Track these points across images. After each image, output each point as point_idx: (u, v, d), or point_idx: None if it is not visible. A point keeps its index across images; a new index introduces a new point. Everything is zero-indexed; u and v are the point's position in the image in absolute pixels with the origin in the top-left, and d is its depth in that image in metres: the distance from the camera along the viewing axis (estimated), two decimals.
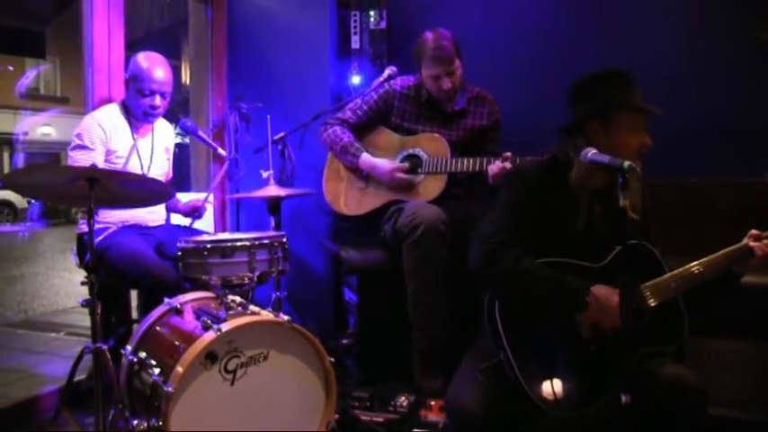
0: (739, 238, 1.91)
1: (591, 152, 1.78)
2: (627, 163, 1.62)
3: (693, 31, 3.22)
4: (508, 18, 3.56)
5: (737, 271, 1.91)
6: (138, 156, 2.85)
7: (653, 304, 1.84)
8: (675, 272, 1.87)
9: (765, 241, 1.87)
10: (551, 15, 3.48)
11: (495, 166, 2.72)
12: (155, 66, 2.77)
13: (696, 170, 3.03)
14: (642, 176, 1.77)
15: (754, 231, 1.89)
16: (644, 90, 1.90)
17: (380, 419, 2.52)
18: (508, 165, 2.69)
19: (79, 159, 2.66)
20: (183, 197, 3.21)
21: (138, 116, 2.83)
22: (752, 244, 1.87)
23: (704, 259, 1.87)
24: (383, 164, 3.01)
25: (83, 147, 2.69)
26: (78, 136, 2.71)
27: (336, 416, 2.23)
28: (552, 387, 1.74)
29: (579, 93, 1.93)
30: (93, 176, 2.09)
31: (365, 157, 3.06)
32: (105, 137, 2.72)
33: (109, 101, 3.00)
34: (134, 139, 2.83)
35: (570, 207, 1.89)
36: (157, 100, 2.79)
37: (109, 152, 2.74)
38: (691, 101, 3.14)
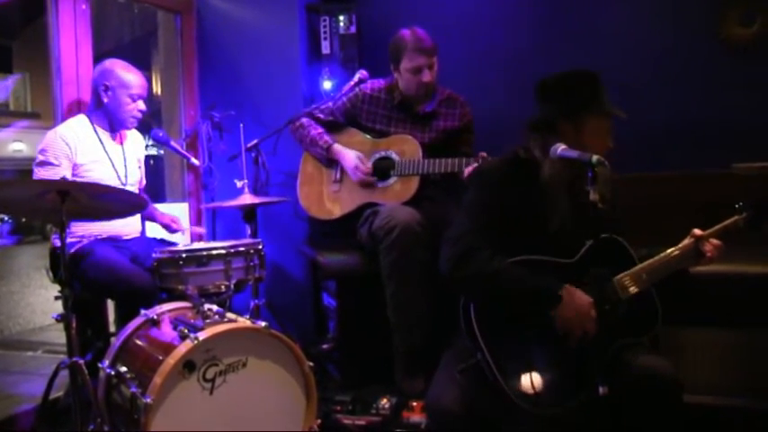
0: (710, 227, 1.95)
1: (560, 148, 1.80)
2: (595, 157, 1.65)
3: (659, 28, 3.29)
4: (477, 20, 3.60)
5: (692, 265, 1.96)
6: (113, 167, 2.83)
7: (633, 291, 1.86)
8: (646, 263, 1.90)
9: (714, 242, 1.90)
10: (520, 16, 3.53)
11: (471, 169, 2.73)
12: (135, 72, 2.86)
13: (664, 164, 3.08)
14: (611, 170, 1.79)
15: (696, 231, 1.92)
16: (610, 87, 1.93)
17: (363, 422, 2.52)
18: None
19: (43, 176, 2.63)
20: (163, 208, 3.20)
21: (124, 122, 2.86)
22: (704, 249, 1.90)
23: (669, 250, 1.91)
24: (350, 157, 3.03)
25: (47, 163, 2.65)
26: (42, 152, 2.67)
27: (318, 421, 2.23)
28: (531, 383, 1.75)
29: (549, 92, 1.95)
30: (64, 189, 2.07)
31: (336, 147, 3.08)
32: (70, 151, 2.68)
33: (78, 113, 2.97)
34: (106, 152, 2.82)
35: (540, 204, 1.89)
36: (142, 104, 2.86)
37: (76, 166, 2.71)
38: (657, 97, 3.20)
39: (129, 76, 2.81)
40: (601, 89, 1.90)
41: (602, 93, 1.90)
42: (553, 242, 1.87)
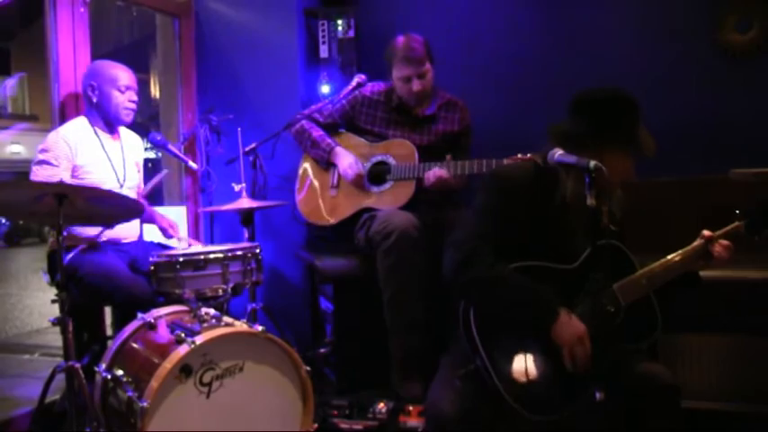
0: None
1: (558, 153, 1.76)
2: (593, 163, 1.63)
3: (656, 33, 3.29)
4: (477, 25, 3.60)
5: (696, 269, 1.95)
6: (113, 168, 2.83)
7: (633, 297, 1.86)
8: (646, 269, 1.89)
9: (723, 243, 1.90)
10: (520, 22, 3.53)
11: (431, 174, 2.78)
12: (119, 66, 2.86)
13: (661, 170, 3.07)
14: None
15: (705, 232, 1.91)
16: None
17: (359, 427, 2.51)
18: (445, 173, 2.74)
19: (41, 175, 2.61)
20: (161, 212, 3.19)
21: (118, 116, 2.83)
22: (713, 250, 1.89)
23: (670, 256, 1.91)
24: (347, 157, 3.04)
25: (46, 162, 2.64)
26: (42, 151, 2.66)
27: (315, 425, 2.23)
28: (526, 372, 1.75)
29: (581, 108, 1.85)
30: (62, 192, 2.07)
31: (338, 150, 3.08)
32: (71, 153, 2.68)
33: (76, 116, 2.97)
34: (106, 153, 2.81)
35: (553, 215, 1.86)
36: (132, 95, 2.85)
37: (76, 168, 2.70)
38: (655, 102, 3.17)
39: (113, 70, 2.81)
40: (633, 121, 1.81)
41: (633, 125, 1.81)
42: (554, 247, 1.86)
